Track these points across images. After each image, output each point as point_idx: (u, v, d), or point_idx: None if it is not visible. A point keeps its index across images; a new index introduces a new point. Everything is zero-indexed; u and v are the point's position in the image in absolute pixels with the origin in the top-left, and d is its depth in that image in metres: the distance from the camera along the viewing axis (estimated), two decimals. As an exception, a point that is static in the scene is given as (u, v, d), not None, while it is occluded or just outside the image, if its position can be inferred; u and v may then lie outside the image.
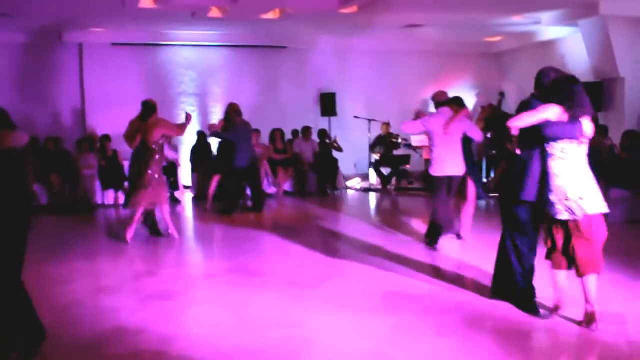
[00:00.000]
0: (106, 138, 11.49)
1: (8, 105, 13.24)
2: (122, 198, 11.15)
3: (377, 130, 13.57)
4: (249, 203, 10.76)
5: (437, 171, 7.08)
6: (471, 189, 7.56)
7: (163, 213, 7.95)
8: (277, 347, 4.29)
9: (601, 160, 9.25)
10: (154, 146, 7.75)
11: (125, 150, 11.41)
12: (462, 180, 7.31)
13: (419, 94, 14.48)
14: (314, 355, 4.14)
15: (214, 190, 10.61)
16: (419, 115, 7.41)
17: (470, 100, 15.14)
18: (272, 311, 5.08)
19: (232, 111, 10.04)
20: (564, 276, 4.64)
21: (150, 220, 8.23)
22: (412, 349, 4.22)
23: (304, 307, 5.15)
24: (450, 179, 7.08)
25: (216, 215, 10.11)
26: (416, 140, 12.87)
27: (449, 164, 7.03)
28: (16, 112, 12.25)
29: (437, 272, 6.18)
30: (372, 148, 13.45)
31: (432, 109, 7.78)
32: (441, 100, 7.29)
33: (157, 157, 7.79)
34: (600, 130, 9.70)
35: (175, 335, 4.52)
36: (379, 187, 13.16)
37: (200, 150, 12.26)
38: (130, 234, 7.77)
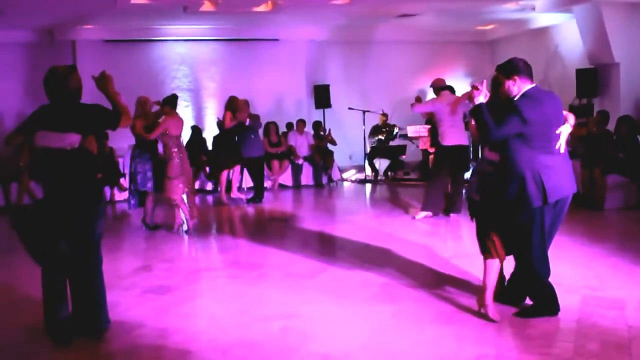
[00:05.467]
0: (103, 135, 11.38)
1: (3, 105, 13.20)
2: (117, 194, 11.12)
3: (371, 122, 13.54)
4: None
5: (448, 141, 8.31)
6: None
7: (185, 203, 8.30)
8: (276, 339, 4.27)
9: (600, 146, 9.22)
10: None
11: (120, 147, 11.41)
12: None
13: (413, 84, 14.44)
14: (314, 346, 4.11)
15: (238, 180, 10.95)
16: (419, 99, 9.09)
17: (465, 89, 15.09)
18: (269, 303, 5.05)
19: (245, 104, 10.47)
20: None
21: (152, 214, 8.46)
22: (412, 338, 4.20)
23: (301, 299, 5.13)
24: (458, 149, 8.30)
25: (213, 209, 10.14)
26: (412, 130, 12.86)
27: (457, 134, 8.29)
28: (11, 111, 12.31)
29: (435, 261, 6.15)
30: (371, 135, 13.46)
31: (429, 95, 9.60)
32: (440, 85, 8.67)
33: None
34: (602, 118, 9.59)
35: (173, 329, 4.49)
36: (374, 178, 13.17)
37: (195, 144, 12.19)
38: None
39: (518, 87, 4.35)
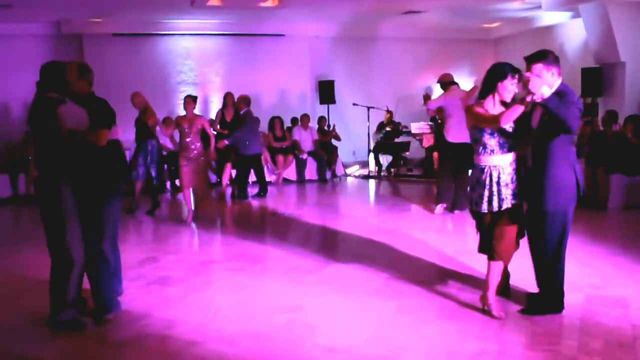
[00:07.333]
0: None
1: (11, 97, 13.16)
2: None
3: (375, 118, 13.55)
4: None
5: (453, 137, 8.26)
6: None
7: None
8: (280, 331, 4.30)
9: (604, 145, 9.22)
10: None
11: (127, 140, 11.42)
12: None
13: (417, 81, 14.47)
14: (318, 338, 4.14)
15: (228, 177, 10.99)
16: (427, 97, 9.02)
17: (469, 86, 15.07)
18: (274, 296, 5.09)
19: (244, 101, 10.38)
20: None
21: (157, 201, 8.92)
22: (415, 332, 4.23)
23: (306, 292, 5.16)
24: (462, 147, 7.88)
25: (225, 202, 10.20)
26: (416, 127, 12.89)
27: (464, 132, 8.07)
28: (20, 103, 12.30)
29: (438, 257, 6.18)
30: (377, 132, 13.49)
31: (436, 91, 9.42)
32: (448, 80, 8.71)
33: None
34: (610, 117, 9.59)
35: (178, 320, 4.53)
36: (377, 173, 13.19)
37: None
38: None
39: (554, 81, 4.21)
